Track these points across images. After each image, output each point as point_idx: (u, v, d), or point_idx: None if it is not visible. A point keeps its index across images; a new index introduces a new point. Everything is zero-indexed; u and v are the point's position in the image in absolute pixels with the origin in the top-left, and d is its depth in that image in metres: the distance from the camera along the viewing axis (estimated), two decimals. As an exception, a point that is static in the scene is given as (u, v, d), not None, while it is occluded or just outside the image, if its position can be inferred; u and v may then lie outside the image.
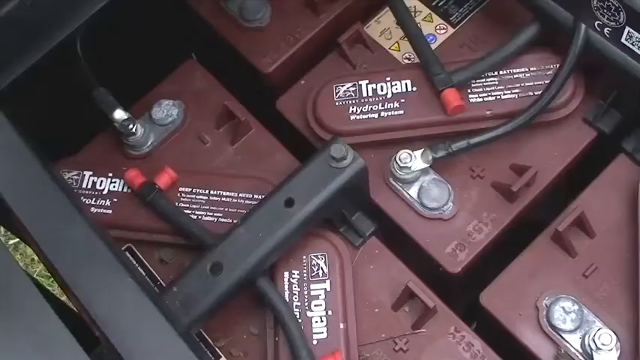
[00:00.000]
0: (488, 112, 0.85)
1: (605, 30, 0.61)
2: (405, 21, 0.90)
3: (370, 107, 0.86)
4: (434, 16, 0.94)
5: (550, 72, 0.85)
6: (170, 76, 0.94)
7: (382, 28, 0.94)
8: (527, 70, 0.86)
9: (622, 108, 0.84)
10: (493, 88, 0.86)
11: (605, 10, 0.60)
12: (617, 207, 0.82)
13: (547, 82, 0.84)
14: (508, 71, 0.86)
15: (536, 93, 0.84)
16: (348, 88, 0.88)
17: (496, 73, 0.86)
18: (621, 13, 0.59)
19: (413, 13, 0.94)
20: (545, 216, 0.84)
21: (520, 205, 0.83)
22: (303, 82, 0.93)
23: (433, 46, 0.91)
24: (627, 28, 0.60)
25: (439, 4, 0.95)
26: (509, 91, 0.86)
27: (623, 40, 0.61)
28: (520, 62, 0.87)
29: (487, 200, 0.84)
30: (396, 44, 0.93)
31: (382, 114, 0.86)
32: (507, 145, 0.85)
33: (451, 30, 0.93)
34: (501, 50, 0.86)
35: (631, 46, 0.61)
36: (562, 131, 0.86)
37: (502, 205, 0.83)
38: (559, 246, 0.81)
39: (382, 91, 0.87)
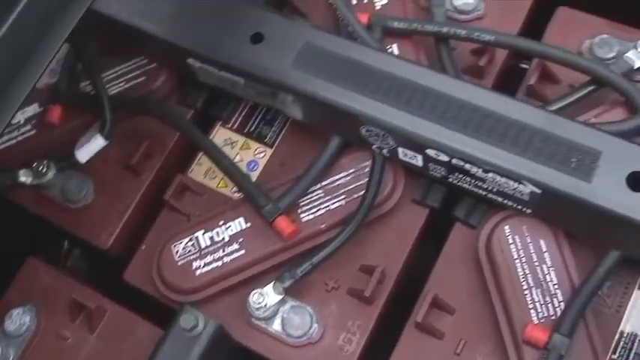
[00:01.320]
0: (323, 226, 0.87)
1: (384, 151, 0.64)
2: (219, 161, 0.91)
3: (212, 257, 0.87)
4: (250, 142, 0.96)
5: (368, 168, 0.88)
6: (13, 282, 0.93)
7: (205, 168, 0.96)
8: (346, 173, 0.89)
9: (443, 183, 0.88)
10: (320, 201, 0.88)
11: (375, 138, 0.63)
12: (466, 275, 0.85)
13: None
14: (330, 180, 0.89)
15: (361, 193, 0.87)
16: (186, 244, 0.89)
17: (319, 185, 0.89)
18: (389, 137, 0.62)
19: (229, 146, 0.96)
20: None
21: (379, 304, 0.85)
22: (144, 247, 0.93)
23: (257, 172, 0.94)
24: (400, 148, 0.63)
25: (251, 129, 0.97)
26: (336, 199, 0.88)
27: (400, 157, 0.64)
28: (338, 168, 0.89)
29: (348, 309, 0.86)
30: (222, 181, 0.95)
31: (225, 259, 0.87)
32: (350, 249, 0.87)
33: (269, 151, 0.95)
34: (316, 164, 0.88)
35: (409, 160, 0.64)
36: (396, 219, 0.89)
37: (363, 310, 0.85)
38: (425, 333, 0.83)
39: (219, 236, 0.88)
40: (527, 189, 0.58)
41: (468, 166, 0.59)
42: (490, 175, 0.59)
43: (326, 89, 0.62)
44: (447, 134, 0.59)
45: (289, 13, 0.98)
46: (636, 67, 0.87)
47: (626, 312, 0.81)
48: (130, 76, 0.97)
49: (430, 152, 0.60)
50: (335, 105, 0.62)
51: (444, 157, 0.60)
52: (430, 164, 0.62)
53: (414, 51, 0.92)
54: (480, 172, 0.59)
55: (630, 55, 0.87)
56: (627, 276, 0.82)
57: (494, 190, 0.60)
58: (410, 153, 0.63)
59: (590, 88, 0.86)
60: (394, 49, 0.92)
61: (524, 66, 0.96)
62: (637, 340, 0.80)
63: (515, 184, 0.58)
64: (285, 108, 0.67)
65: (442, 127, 0.59)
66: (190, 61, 0.68)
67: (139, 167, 0.95)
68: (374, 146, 0.64)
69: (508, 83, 0.94)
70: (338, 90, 0.62)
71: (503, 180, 0.58)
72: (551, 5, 0.96)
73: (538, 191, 0.57)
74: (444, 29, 0.89)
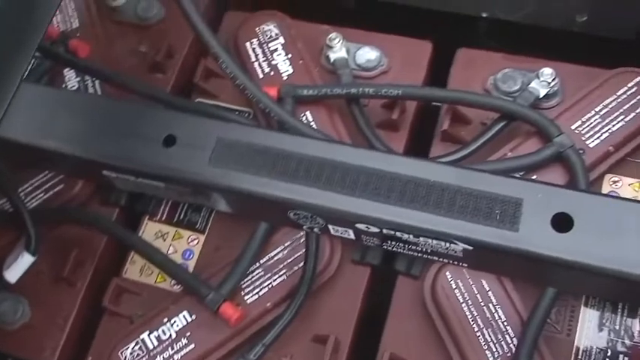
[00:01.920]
0: (269, 305, 0.86)
1: (315, 229, 0.65)
2: (152, 257, 0.90)
3: (162, 357, 0.85)
4: (181, 231, 0.95)
5: (303, 238, 0.88)
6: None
7: (139, 266, 0.94)
8: (282, 247, 0.89)
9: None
10: (262, 279, 0.88)
11: (304, 220, 0.63)
12: (417, 327, 0.86)
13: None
14: (267, 257, 0.89)
15: (301, 264, 0.87)
16: (133, 348, 0.87)
17: (258, 264, 0.88)
18: (317, 218, 0.62)
19: (161, 238, 0.95)
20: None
21: (338, 372, 0.85)
22: (90, 358, 0.90)
23: (193, 261, 0.93)
24: (331, 226, 0.64)
25: (180, 218, 0.96)
26: (277, 275, 0.88)
27: (332, 233, 0.65)
28: (274, 243, 0.89)
29: (309, 383, 0.85)
30: (160, 276, 0.93)
31: (175, 357, 0.85)
32: (300, 322, 0.86)
33: (202, 237, 0.94)
34: (251, 244, 0.88)
35: (341, 235, 0.64)
36: (340, 283, 0.89)
37: (323, 382, 0.85)
38: (389, 393, 0.83)
39: (165, 334, 0.86)
40: (459, 247, 0.59)
41: (398, 233, 0.60)
42: (421, 239, 0.60)
43: (247, 181, 0.62)
44: (373, 207, 0.59)
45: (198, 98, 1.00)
46: (542, 96, 0.90)
47: (578, 330, 0.83)
48: (47, 186, 0.96)
49: (360, 226, 0.61)
50: (258, 195, 0.62)
51: (374, 229, 0.61)
52: (362, 236, 0.63)
53: (327, 115, 0.93)
54: (411, 238, 0.60)
55: (534, 85, 0.90)
56: (571, 299, 0.84)
57: (429, 251, 0.61)
58: (341, 229, 0.63)
59: (502, 123, 0.89)
60: (307, 116, 0.93)
61: (436, 103, 0.98)
62: (594, 353, 0.81)
63: (447, 244, 0.59)
64: (210, 204, 0.67)
65: (367, 200, 0.60)
66: (105, 172, 0.67)
67: (71, 277, 0.93)
68: (305, 227, 0.64)
69: (424, 126, 0.96)
70: (259, 180, 0.62)
71: (435, 242, 0.59)
72: (451, 48, 0.98)
73: (470, 248, 0.58)
74: (353, 90, 0.91)
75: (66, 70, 1.01)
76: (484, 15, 1.03)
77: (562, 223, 0.57)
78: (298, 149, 0.62)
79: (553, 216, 0.58)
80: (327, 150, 0.62)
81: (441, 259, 0.62)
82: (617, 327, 0.82)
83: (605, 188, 0.88)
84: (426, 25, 1.06)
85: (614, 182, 0.88)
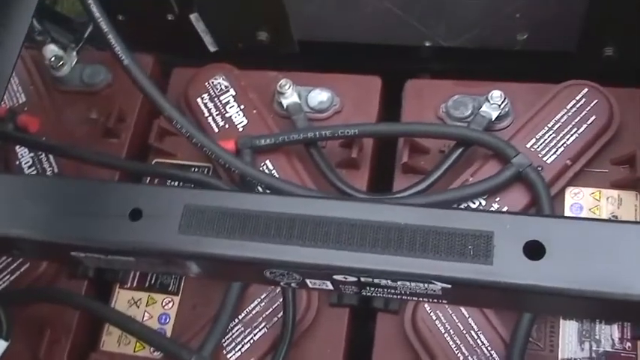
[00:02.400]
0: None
1: (292, 285, 0.65)
2: (127, 327, 0.89)
3: None
4: (154, 295, 0.94)
5: (279, 288, 0.88)
6: None
7: (116, 336, 0.92)
8: (259, 300, 0.89)
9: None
10: (242, 335, 0.87)
11: (281, 277, 0.63)
12: (406, 364, 0.86)
13: (281, 301, 0.87)
14: (245, 312, 0.88)
15: (280, 314, 0.87)
16: (119, 423, 0.85)
17: (237, 320, 0.88)
18: (294, 274, 0.62)
19: (134, 306, 0.94)
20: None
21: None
22: None
23: (170, 324, 0.92)
24: (308, 280, 0.64)
25: (152, 283, 0.95)
26: (258, 329, 0.87)
27: (310, 286, 0.65)
28: (250, 297, 0.89)
29: None
30: (138, 344, 0.92)
31: None
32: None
33: (177, 299, 0.93)
34: (227, 302, 0.87)
35: (319, 287, 0.64)
36: (321, 328, 0.88)
37: None
38: None
39: (151, 404, 0.85)
40: (437, 286, 0.59)
41: (376, 280, 0.60)
42: (399, 282, 0.60)
43: (219, 246, 0.62)
44: (348, 257, 0.60)
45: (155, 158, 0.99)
46: (494, 118, 0.91)
47: (560, 345, 0.84)
48: (12, 267, 0.94)
49: (337, 277, 0.61)
50: (232, 259, 0.62)
51: (351, 278, 0.61)
52: (340, 286, 0.63)
53: (287, 161, 0.93)
54: (389, 283, 0.60)
55: (485, 109, 0.92)
56: (549, 317, 0.85)
57: (408, 292, 0.61)
58: (318, 282, 0.63)
59: (460, 150, 0.90)
60: (267, 165, 0.93)
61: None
62: (577, 364, 0.83)
63: (425, 285, 0.59)
64: (183, 272, 0.66)
65: (342, 250, 0.60)
66: (74, 253, 0.66)
67: (48, 357, 0.91)
68: (282, 283, 0.64)
69: (385, 159, 0.96)
70: (231, 243, 0.61)
71: (413, 284, 0.60)
72: (400, 79, 1.00)
73: (448, 286, 0.59)
74: (310, 134, 0.91)
75: (18, 147, 1.00)
76: (427, 44, 1.04)
77: (534, 250, 0.58)
78: (267, 208, 0.62)
79: (524, 245, 0.58)
80: (296, 205, 0.62)
81: (421, 299, 0.62)
82: (598, 336, 0.83)
83: (568, 201, 0.89)
84: (373, 60, 1.07)
85: (576, 194, 0.90)
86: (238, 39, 1.10)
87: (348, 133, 0.90)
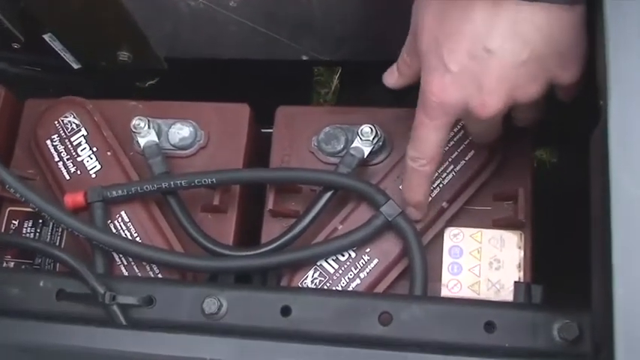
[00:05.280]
0: None
1: None
2: None
3: None
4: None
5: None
6: None
7: None
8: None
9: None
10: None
11: None
12: None
13: None
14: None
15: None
16: None
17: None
18: None
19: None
20: None
21: None
22: None
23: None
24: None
25: None
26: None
27: None
28: None
29: None
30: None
31: None
32: None
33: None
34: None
35: None
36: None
37: None
38: None
39: None
40: None
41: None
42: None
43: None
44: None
45: None
46: (366, 155, 0.83)
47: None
48: None
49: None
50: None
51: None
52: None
53: (144, 210, 0.85)
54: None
55: (357, 144, 0.83)
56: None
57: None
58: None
59: (328, 194, 0.82)
60: (123, 216, 0.85)
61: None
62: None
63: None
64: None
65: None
66: None
67: None
68: None
69: (256, 200, 0.89)
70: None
71: None
72: (269, 107, 0.91)
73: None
74: (164, 185, 0.83)
75: None
76: (304, 58, 0.95)
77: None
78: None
79: None
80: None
81: None
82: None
83: (447, 243, 0.82)
84: (243, 83, 0.98)
85: (455, 235, 0.82)
86: (99, 58, 1.00)
87: (205, 182, 0.82)
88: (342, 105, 0.99)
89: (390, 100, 1.01)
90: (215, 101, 0.91)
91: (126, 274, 0.83)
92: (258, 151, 0.91)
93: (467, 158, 0.82)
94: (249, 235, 0.88)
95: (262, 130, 0.94)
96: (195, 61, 0.99)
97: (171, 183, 0.82)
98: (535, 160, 1.48)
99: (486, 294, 0.80)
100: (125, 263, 0.84)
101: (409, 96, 0.78)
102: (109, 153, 0.88)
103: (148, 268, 0.83)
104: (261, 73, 1.03)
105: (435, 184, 0.81)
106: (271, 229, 0.86)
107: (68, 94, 0.92)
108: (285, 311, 0.74)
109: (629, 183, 0.52)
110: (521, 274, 0.80)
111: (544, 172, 1.32)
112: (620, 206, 0.53)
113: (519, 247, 0.81)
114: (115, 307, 0.75)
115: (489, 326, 0.71)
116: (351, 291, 0.78)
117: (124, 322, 0.75)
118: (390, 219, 0.78)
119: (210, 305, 0.74)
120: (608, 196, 0.53)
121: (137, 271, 0.83)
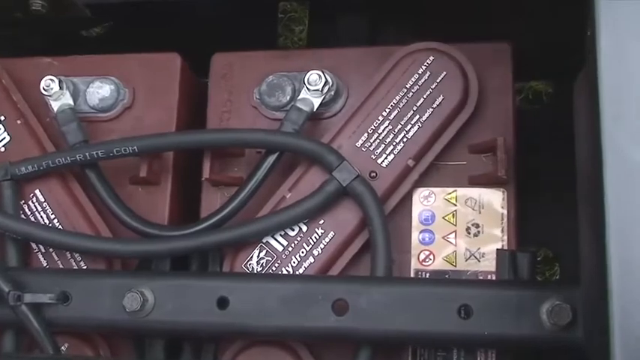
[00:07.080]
0: None
1: None
2: None
3: None
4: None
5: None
6: None
7: None
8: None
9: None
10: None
11: None
12: None
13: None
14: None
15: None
16: None
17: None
18: None
19: None
20: None
21: None
22: None
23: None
24: None
25: None
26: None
27: None
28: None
29: None
30: None
31: None
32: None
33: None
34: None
35: None
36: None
37: None
38: None
39: None
40: None
41: None
42: None
43: None
44: None
45: None
46: (316, 108, 0.70)
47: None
48: None
49: None
50: None
51: None
52: None
53: (61, 187, 0.73)
54: None
55: (305, 95, 0.70)
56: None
57: None
58: None
59: (274, 157, 0.69)
60: (37, 195, 0.73)
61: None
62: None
63: None
64: None
65: None
66: None
67: None
68: None
69: (192, 168, 0.76)
70: None
71: None
72: (203, 56, 0.77)
73: None
74: (79, 157, 0.70)
75: None
76: None
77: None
78: None
79: None
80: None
81: None
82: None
83: (417, 207, 0.70)
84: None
85: (426, 197, 0.70)
86: (12, 8, 0.86)
87: (126, 150, 0.69)
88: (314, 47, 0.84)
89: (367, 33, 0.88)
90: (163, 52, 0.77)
91: (45, 264, 0.71)
92: (198, 108, 0.77)
93: (435, 105, 0.68)
94: (188, 209, 0.75)
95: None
96: (122, 6, 0.84)
97: (87, 154, 0.70)
98: (530, 91, 1.35)
99: (464, 265, 0.67)
100: (43, 251, 0.72)
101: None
102: (18, 121, 0.75)
103: (68, 255, 0.71)
104: (213, 11, 0.89)
105: (398, 139, 0.68)
106: (212, 201, 0.73)
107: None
108: (222, 303, 0.62)
109: (627, 144, 0.39)
110: (505, 240, 0.67)
111: (534, 111, 1.17)
112: (617, 175, 0.40)
113: (502, 208, 0.68)
114: (23, 308, 0.64)
115: (465, 311, 0.59)
116: (298, 275, 0.66)
117: (35, 325, 0.64)
118: (344, 184, 0.65)
119: (131, 301, 0.62)
120: (601, 162, 0.40)
121: (57, 259, 0.71)
